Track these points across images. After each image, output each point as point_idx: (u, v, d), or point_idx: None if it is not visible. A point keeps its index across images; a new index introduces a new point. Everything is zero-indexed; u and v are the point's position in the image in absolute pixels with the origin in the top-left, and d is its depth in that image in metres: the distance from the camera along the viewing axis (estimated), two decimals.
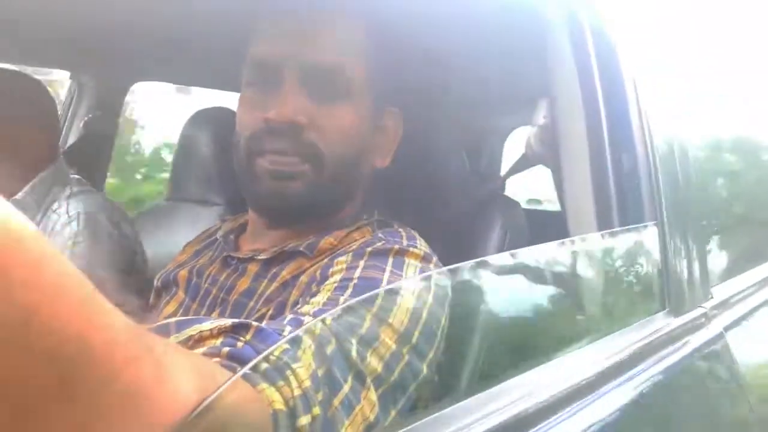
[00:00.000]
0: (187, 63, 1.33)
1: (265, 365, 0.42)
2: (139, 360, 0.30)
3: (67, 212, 1.10)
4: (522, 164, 1.67)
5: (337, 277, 0.62)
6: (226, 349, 0.43)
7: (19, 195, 1.11)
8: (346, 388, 0.48)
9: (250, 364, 0.38)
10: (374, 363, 0.51)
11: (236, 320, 0.46)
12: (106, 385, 0.28)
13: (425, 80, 0.95)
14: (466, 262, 0.54)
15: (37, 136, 1.15)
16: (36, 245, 0.26)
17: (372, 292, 0.55)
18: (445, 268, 0.60)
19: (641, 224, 0.85)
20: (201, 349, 0.43)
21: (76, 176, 1.20)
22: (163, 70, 1.50)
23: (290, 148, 0.71)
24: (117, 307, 0.30)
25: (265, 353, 0.39)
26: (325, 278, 0.64)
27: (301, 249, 0.72)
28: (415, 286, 0.57)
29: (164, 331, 0.44)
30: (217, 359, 0.42)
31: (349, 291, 0.59)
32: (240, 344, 0.45)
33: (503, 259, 0.62)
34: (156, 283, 0.87)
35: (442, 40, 0.90)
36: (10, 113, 1.10)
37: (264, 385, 0.41)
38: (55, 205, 1.12)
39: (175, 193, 1.35)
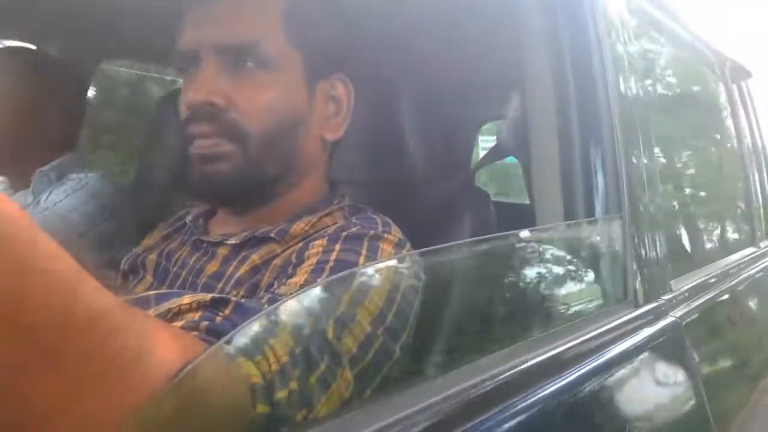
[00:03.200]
0: (157, 43, 1.31)
1: (243, 340, 0.43)
2: (123, 333, 0.31)
3: (86, 176, 1.20)
4: (494, 155, 1.70)
5: (314, 259, 0.63)
6: (205, 323, 0.44)
7: (46, 167, 1.20)
8: (322, 366, 0.49)
9: (228, 336, 0.39)
10: (350, 343, 0.52)
11: (216, 295, 0.47)
12: (90, 358, 0.29)
13: (387, 56, 0.94)
14: (436, 247, 0.56)
15: (59, 120, 1.22)
16: (25, 227, 0.27)
17: (348, 271, 0.56)
18: (416, 252, 0.62)
19: (605, 216, 0.87)
20: (179, 323, 0.44)
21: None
22: (132, 49, 1.46)
23: (211, 129, 0.71)
24: (102, 281, 0.31)
25: (242, 326, 0.40)
26: (301, 261, 0.64)
27: (272, 235, 0.72)
28: (390, 269, 0.58)
29: (143, 304, 0.44)
30: (196, 333, 0.43)
31: (325, 273, 0.60)
32: (219, 319, 0.46)
33: (471, 245, 0.64)
34: (123, 266, 0.86)
35: (414, 22, 0.90)
36: (36, 95, 1.18)
37: (242, 359, 0.42)
38: (73, 175, 1.22)
39: (142, 176, 1.34)
